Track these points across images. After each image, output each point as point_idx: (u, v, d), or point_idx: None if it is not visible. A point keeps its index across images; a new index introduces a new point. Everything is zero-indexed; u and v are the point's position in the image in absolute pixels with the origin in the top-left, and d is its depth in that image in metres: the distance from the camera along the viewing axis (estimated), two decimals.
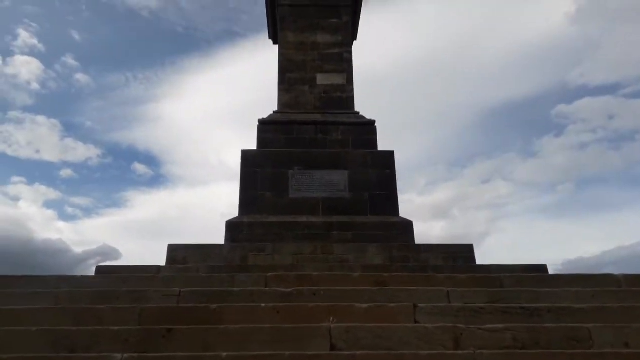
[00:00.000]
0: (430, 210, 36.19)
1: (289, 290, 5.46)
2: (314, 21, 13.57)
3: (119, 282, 6.58)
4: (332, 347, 4.64)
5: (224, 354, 4.30)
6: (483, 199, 39.05)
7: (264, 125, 12.45)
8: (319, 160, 11.82)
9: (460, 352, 4.41)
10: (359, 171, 11.75)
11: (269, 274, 6.49)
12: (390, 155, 12.00)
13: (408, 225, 11.28)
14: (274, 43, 14.94)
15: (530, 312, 5.26)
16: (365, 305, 5.24)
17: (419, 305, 5.25)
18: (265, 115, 12.74)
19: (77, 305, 5.39)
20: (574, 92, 39.44)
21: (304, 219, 11.21)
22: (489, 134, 41.82)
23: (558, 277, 7.31)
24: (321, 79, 13.08)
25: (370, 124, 12.53)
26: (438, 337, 4.69)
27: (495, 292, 6.00)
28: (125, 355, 4.24)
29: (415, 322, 5.11)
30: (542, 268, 9.71)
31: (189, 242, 10.45)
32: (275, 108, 13.02)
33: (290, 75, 13.15)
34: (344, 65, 13.23)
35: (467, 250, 10.60)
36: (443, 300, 5.57)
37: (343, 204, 11.47)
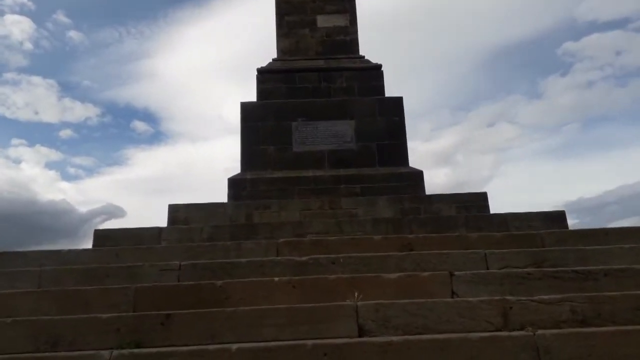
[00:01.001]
0: (433, 157, 35.30)
1: (304, 259, 4.58)
2: None
3: (111, 255, 5.70)
4: (361, 330, 3.80)
5: (234, 346, 3.46)
6: (487, 143, 38.05)
7: (263, 75, 11.29)
8: (323, 110, 10.75)
9: (516, 333, 3.57)
10: (366, 120, 10.71)
11: (280, 240, 5.60)
12: (398, 101, 10.93)
13: (418, 176, 10.36)
14: None
15: (584, 276, 4.42)
16: (393, 276, 4.38)
17: (455, 273, 4.39)
18: (264, 64, 11.58)
19: (61, 287, 4.53)
20: (582, 28, 37.65)
21: (309, 173, 10.28)
22: (494, 76, 40.34)
23: (606, 232, 6.39)
24: (322, 21, 11.80)
25: (377, 69, 11.38)
26: (484, 313, 3.86)
27: (538, 252, 5.12)
28: (115, 352, 3.41)
29: (454, 293, 4.27)
30: (561, 215, 8.91)
31: (190, 202, 9.55)
32: (275, 56, 11.83)
33: (288, 19, 11.86)
34: (346, 4, 11.91)
35: (480, 199, 9.73)
36: (481, 266, 4.72)
37: (350, 155, 10.50)
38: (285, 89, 11.12)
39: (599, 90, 36.25)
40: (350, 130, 10.67)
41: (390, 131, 10.67)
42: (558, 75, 38.57)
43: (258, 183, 10.11)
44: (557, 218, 8.80)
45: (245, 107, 10.78)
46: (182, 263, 4.63)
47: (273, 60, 11.63)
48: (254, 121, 10.67)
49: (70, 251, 5.82)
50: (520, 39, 39.50)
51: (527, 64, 40.39)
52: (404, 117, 10.85)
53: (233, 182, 10.12)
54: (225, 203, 9.65)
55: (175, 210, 9.38)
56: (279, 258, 5.05)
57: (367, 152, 10.53)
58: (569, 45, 36.69)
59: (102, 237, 8.62)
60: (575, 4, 37.92)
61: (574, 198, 35.54)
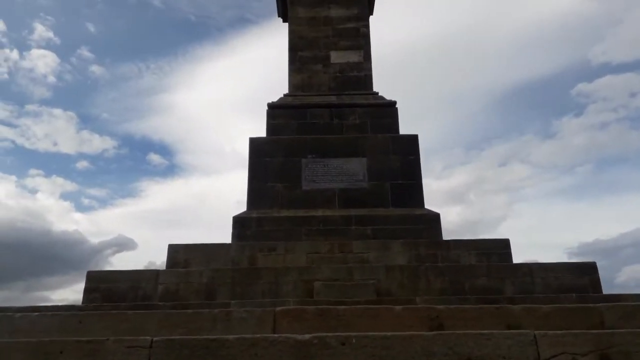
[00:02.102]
0: (446, 195, 34.19)
1: (307, 337, 3.61)
2: None
3: (73, 322, 4.73)
4: None
5: None
6: (500, 183, 36.90)
7: (274, 110, 10.67)
8: (334, 147, 10.04)
9: None
10: (379, 158, 9.95)
11: (278, 309, 4.56)
12: (414, 139, 10.17)
13: (435, 219, 9.50)
14: (284, 21, 13.03)
15: None
16: None
17: None
18: (275, 99, 10.98)
19: None
20: (595, 70, 36.83)
21: (318, 212, 9.49)
22: (507, 116, 39.41)
23: None
24: (336, 57, 11.22)
25: (391, 106, 10.69)
26: None
27: (601, 335, 3.96)
28: None
29: None
30: (591, 267, 7.96)
31: (194, 241, 8.82)
32: (286, 91, 11.23)
33: (301, 54, 11.31)
34: (361, 40, 11.35)
35: (502, 246, 8.81)
36: (530, 351, 3.71)
37: (362, 195, 9.71)
38: (296, 125, 10.46)
39: (612, 132, 35.18)
40: (362, 169, 9.91)
41: (404, 170, 9.89)
42: (572, 115, 37.60)
43: (264, 222, 9.33)
44: (587, 269, 7.86)
45: (254, 143, 10.11)
46: (155, 339, 3.74)
47: (284, 95, 11.03)
48: (263, 157, 9.98)
49: (23, 317, 4.82)
50: (534, 79, 38.81)
51: (541, 104, 39.56)
52: (419, 156, 10.08)
53: (238, 221, 9.36)
54: (227, 244, 8.86)
55: (174, 251, 8.63)
56: (275, 335, 4.09)
57: (380, 192, 9.74)
58: (583, 87, 35.86)
59: (95, 279, 7.90)
60: (589, 46, 37.27)
61: (589, 240, 33.98)
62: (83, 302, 7.71)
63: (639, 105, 35.31)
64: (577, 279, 7.69)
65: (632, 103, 35.13)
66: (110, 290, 7.78)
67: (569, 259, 29.31)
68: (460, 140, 41.02)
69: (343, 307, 4.45)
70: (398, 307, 4.41)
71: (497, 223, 34.94)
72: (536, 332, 3.65)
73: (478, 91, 38.27)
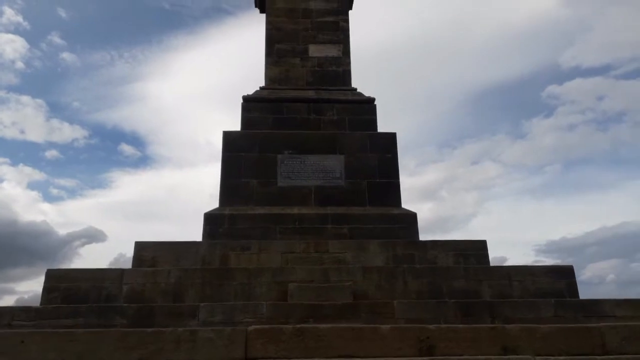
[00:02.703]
0: (418, 192, 34.27)
1: None
2: None
3: (12, 342, 3.98)
4: None
5: None
6: (471, 181, 37.21)
7: (249, 103, 10.19)
8: (311, 143, 9.65)
9: None
10: (357, 156, 9.62)
11: (250, 328, 4.00)
12: (392, 137, 9.88)
13: (412, 218, 9.23)
14: (261, 11, 12.52)
15: None
16: None
17: None
18: (251, 92, 10.50)
19: None
20: (566, 73, 37.44)
21: (294, 210, 9.10)
22: (479, 115, 39.74)
23: None
24: (314, 51, 10.81)
25: (370, 102, 10.35)
26: None
27: None
28: None
29: None
30: (568, 271, 7.83)
31: (160, 238, 8.31)
32: (263, 84, 10.77)
33: (279, 46, 10.86)
34: (340, 35, 10.97)
35: (479, 247, 8.59)
36: None
37: (339, 193, 9.37)
38: (272, 120, 10.01)
39: (580, 134, 35.91)
40: (339, 166, 9.56)
41: (382, 169, 9.59)
42: (542, 117, 38.20)
43: (237, 219, 8.88)
44: (564, 273, 7.74)
45: (228, 137, 9.63)
46: None
47: (260, 88, 10.56)
48: (237, 152, 9.51)
49: None
50: (507, 80, 39.25)
51: (513, 104, 40.08)
52: (397, 155, 9.80)
53: (210, 218, 8.88)
54: (198, 242, 8.39)
55: (141, 249, 8.10)
56: None
57: (357, 190, 9.41)
58: (553, 89, 36.41)
59: (55, 278, 7.33)
60: (560, 50, 37.89)
61: (556, 238, 34.65)
62: (42, 303, 7.15)
63: (605, 109, 36.16)
64: (554, 283, 7.55)
65: (599, 106, 35.95)
66: (71, 290, 7.23)
67: (536, 256, 29.84)
68: (433, 138, 41.27)
69: (324, 326, 4.00)
70: (385, 327, 3.96)
71: (467, 220, 35.29)
72: (537, 357, 3.33)
73: (451, 90, 38.48)
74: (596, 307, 6.64)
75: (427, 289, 7.36)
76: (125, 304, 6.76)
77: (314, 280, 7.38)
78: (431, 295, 7.25)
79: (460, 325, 4.06)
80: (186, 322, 6.40)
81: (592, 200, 33.56)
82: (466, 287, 7.41)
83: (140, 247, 8.13)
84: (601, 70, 40.10)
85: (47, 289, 7.21)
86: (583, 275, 29.64)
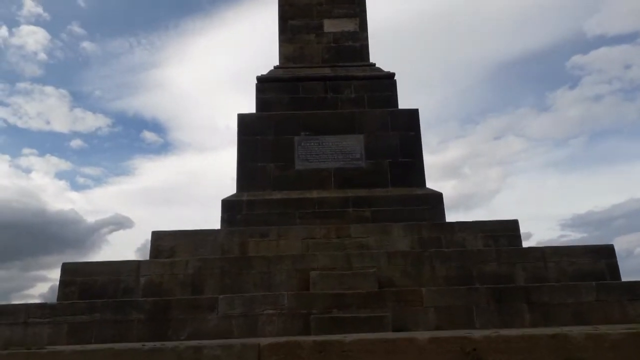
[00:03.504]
0: (441, 169, 33.37)
1: None
2: None
3: None
4: None
5: None
6: (495, 156, 36.06)
7: (264, 84, 9.68)
8: (329, 123, 9.12)
9: None
10: (377, 135, 9.06)
11: (264, 344, 3.41)
12: (414, 114, 9.27)
13: (437, 198, 8.68)
14: None
15: None
16: None
17: None
18: (264, 72, 9.97)
19: None
20: (591, 42, 35.55)
21: (313, 194, 8.64)
22: (502, 89, 38.27)
23: None
24: (329, 26, 10.18)
25: (389, 78, 9.73)
26: None
27: None
28: None
29: None
30: (609, 250, 7.21)
31: (177, 229, 7.93)
32: (277, 63, 10.22)
33: (292, 23, 10.25)
34: (356, 8, 10.30)
35: (511, 228, 8.02)
36: None
37: (359, 174, 8.86)
38: (288, 100, 9.50)
39: (607, 104, 34.26)
40: (359, 146, 9.03)
41: (404, 148, 9.02)
42: (566, 88, 36.58)
43: (255, 205, 8.47)
44: (604, 253, 7.12)
45: (243, 119, 9.16)
46: None
47: (275, 67, 10.02)
48: (253, 135, 9.05)
49: None
50: (529, 52, 37.50)
51: (536, 76, 38.38)
52: (419, 132, 9.20)
53: (227, 204, 8.49)
54: (216, 230, 8.01)
55: (158, 239, 7.77)
56: None
57: (378, 171, 8.88)
58: (578, 59, 34.66)
59: (71, 272, 7.05)
60: (584, 18, 35.92)
61: (582, 212, 33.44)
62: (58, 298, 6.89)
63: (633, 77, 34.44)
64: (593, 264, 6.96)
65: (626, 75, 34.23)
66: (88, 284, 6.95)
67: (562, 230, 28.93)
68: (455, 114, 40.05)
69: (351, 338, 3.41)
70: (422, 338, 3.34)
71: (491, 196, 34.37)
72: None
73: (473, 64, 37.14)
74: None
75: (456, 274, 6.86)
76: (142, 299, 6.45)
77: (336, 267, 6.95)
78: (461, 280, 6.75)
79: (513, 333, 3.50)
80: (204, 316, 6.07)
81: (619, 171, 32.19)
82: (498, 271, 6.88)
83: (157, 236, 7.80)
84: (628, 38, 38.02)
85: (63, 283, 6.95)
86: None
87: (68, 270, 7.05)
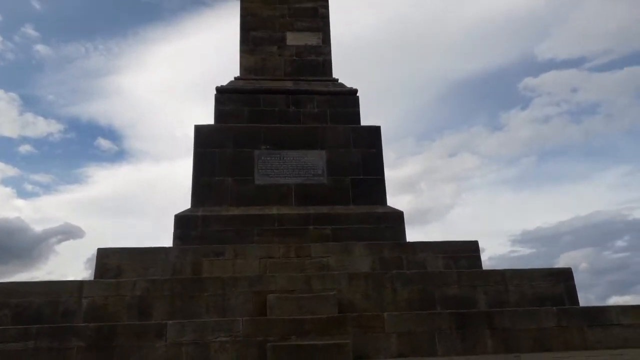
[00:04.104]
0: (398, 185, 33.66)
1: None
2: None
3: None
4: None
5: None
6: (450, 172, 36.74)
7: (223, 95, 9.23)
8: (290, 137, 8.78)
9: None
10: (339, 151, 8.80)
11: None
12: (376, 131, 9.08)
13: (398, 217, 8.47)
14: None
15: None
16: None
17: None
18: (225, 83, 9.53)
19: None
20: (541, 65, 37.01)
21: (273, 210, 8.24)
22: (457, 107, 39.12)
23: None
24: (292, 39, 9.88)
25: (352, 94, 9.51)
26: None
27: None
28: None
29: None
30: (567, 273, 7.19)
31: (124, 246, 7.35)
32: (237, 74, 9.80)
33: (254, 34, 9.89)
34: (320, 22, 10.06)
35: (471, 249, 7.91)
36: None
37: (321, 191, 8.54)
38: (248, 112, 9.09)
39: (555, 125, 35.74)
40: (321, 162, 8.73)
41: (366, 164, 8.80)
42: (518, 108, 37.94)
43: (211, 222, 7.98)
44: (562, 276, 7.08)
45: (200, 131, 8.68)
46: None
47: (235, 79, 9.61)
48: (210, 147, 8.58)
49: None
50: (484, 72, 38.74)
51: (490, 96, 39.64)
52: (381, 149, 9.01)
53: (181, 220, 7.96)
54: (168, 248, 7.46)
55: (104, 256, 7.15)
56: None
57: (340, 188, 8.60)
58: (529, 81, 36.04)
59: (4, 293, 6.32)
60: (536, 42, 37.48)
61: (531, 228, 34.53)
62: None
63: (579, 100, 36.07)
64: (552, 287, 6.90)
65: (573, 98, 35.82)
66: (22, 306, 6.25)
67: (512, 246, 29.69)
68: (412, 130, 40.62)
69: None
70: None
71: (446, 211, 34.91)
72: None
73: (429, 82, 37.86)
74: (601, 316, 6.00)
75: (418, 297, 6.63)
76: (84, 324, 5.82)
77: (295, 289, 6.57)
78: (423, 304, 6.52)
79: None
80: (152, 343, 5.52)
81: (565, 190, 33.54)
82: (460, 294, 6.70)
83: (103, 254, 7.17)
84: (576, 62, 39.84)
85: None
86: (557, 264, 29.50)
87: (1, 291, 6.32)
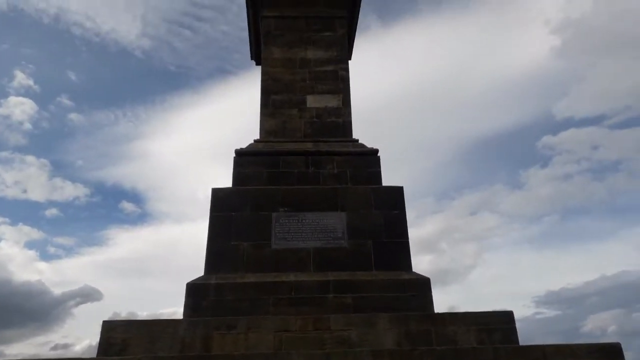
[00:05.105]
0: (418, 245, 32.48)
1: None
2: (304, 35, 10.17)
3: None
4: None
5: None
6: (470, 231, 35.41)
7: (242, 157, 8.88)
8: (310, 199, 8.25)
9: None
10: (360, 213, 8.19)
11: None
12: (399, 192, 8.47)
13: (425, 284, 7.66)
14: (257, 64, 11.54)
15: None
16: None
17: None
18: (244, 146, 9.21)
19: None
20: (560, 123, 36.40)
21: (290, 277, 7.57)
22: (477, 166, 38.45)
23: None
24: (312, 101, 9.61)
25: (373, 154, 9.02)
26: None
27: None
28: None
29: None
30: (616, 349, 6.18)
31: (131, 318, 6.85)
32: (256, 136, 9.49)
33: (275, 98, 9.67)
34: (340, 84, 9.79)
35: (505, 320, 6.99)
36: None
37: (341, 255, 7.87)
38: (267, 175, 8.67)
39: (576, 183, 34.49)
40: (341, 224, 8.12)
41: (388, 227, 8.13)
42: (538, 167, 36.94)
43: (224, 290, 7.34)
44: (611, 353, 6.07)
45: (217, 194, 8.24)
46: None
47: (255, 141, 9.28)
48: (227, 211, 8.11)
49: None
50: (502, 131, 38.27)
51: (509, 155, 38.90)
52: (404, 211, 8.35)
53: (193, 289, 7.34)
54: (177, 320, 6.80)
55: (110, 330, 6.53)
56: None
57: (361, 252, 7.92)
58: (548, 139, 35.32)
59: None
60: (554, 101, 37.12)
61: (555, 288, 32.47)
62: None
63: (600, 158, 34.93)
64: None
65: (594, 155, 34.74)
66: None
67: (537, 307, 27.72)
68: (431, 189, 39.81)
69: None
70: None
71: (467, 272, 33.29)
72: None
73: (448, 141, 37.46)
74: None
75: None
76: None
77: None
78: None
79: None
80: None
81: (590, 249, 31.73)
82: None
83: (108, 327, 6.56)
84: (595, 120, 39.08)
85: None
86: (585, 327, 27.41)
87: None
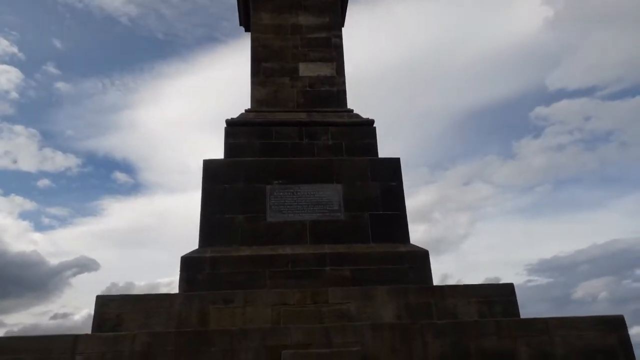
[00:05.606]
0: (411, 214, 32.50)
1: None
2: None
3: None
4: None
5: None
6: (464, 201, 35.62)
7: (233, 128, 8.50)
8: (305, 171, 7.97)
9: None
10: (356, 185, 7.95)
11: None
12: (395, 163, 8.24)
13: (423, 257, 7.53)
14: (246, 30, 10.98)
15: None
16: None
17: None
18: (235, 115, 8.81)
19: None
20: (552, 94, 36.35)
21: (286, 250, 7.36)
22: (470, 137, 38.36)
23: None
24: (305, 70, 9.20)
25: (368, 125, 8.73)
26: None
27: None
28: None
29: None
30: (619, 321, 6.14)
31: (125, 293, 6.63)
32: (248, 106, 9.10)
33: (266, 65, 9.23)
34: (333, 52, 9.38)
35: (506, 293, 6.91)
36: None
37: (337, 228, 7.66)
38: (260, 145, 8.33)
39: (568, 154, 34.71)
40: (337, 197, 7.88)
41: (386, 198, 7.92)
42: (531, 137, 37.05)
43: (220, 264, 7.11)
44: (614, 325, 6.03)
45: (209, 166, 7.90)
46: None
47: (246, 111, 8.89)
48: (220, 183, 7.79)
49: None
50: (496, 102, 38.10)
51: (502, 126, 38.87)
52: (402, 183, 8.14)
53: (187, 262, 7.09)
54: (172, 295, 6.57)
55: (103, 305, 6.27)
56: None
57: (358, 224, 7.72)
58: (541, 110, 35.30)
59: None
60: (546, 72, 36.92)
61: (547, 256, 33.10)
62: None
63: (593, 129, 35.18)
64: (603, 338, 5.86)
65: (586, 126, 34.95)
66: None
67: (529, 275, 28.27)
68: (425, 159, 39.76)
69: None
70: None
71: (460, 241, 33.67)
72: None
73: (442, 112, 37.24)
74: None
75: (451, 350, 5.65)
76: None
77: (312, 343, 5.62)
78: (458, 358, 5.53)
79: None
80: None
81: (582, 218, 32.25)
82: (499, 347, 5.70)
83: (102, 302, 6.30)
84: (587, 91, 39.04)
85: None
86: (576, 294, 28.13)
87: None
